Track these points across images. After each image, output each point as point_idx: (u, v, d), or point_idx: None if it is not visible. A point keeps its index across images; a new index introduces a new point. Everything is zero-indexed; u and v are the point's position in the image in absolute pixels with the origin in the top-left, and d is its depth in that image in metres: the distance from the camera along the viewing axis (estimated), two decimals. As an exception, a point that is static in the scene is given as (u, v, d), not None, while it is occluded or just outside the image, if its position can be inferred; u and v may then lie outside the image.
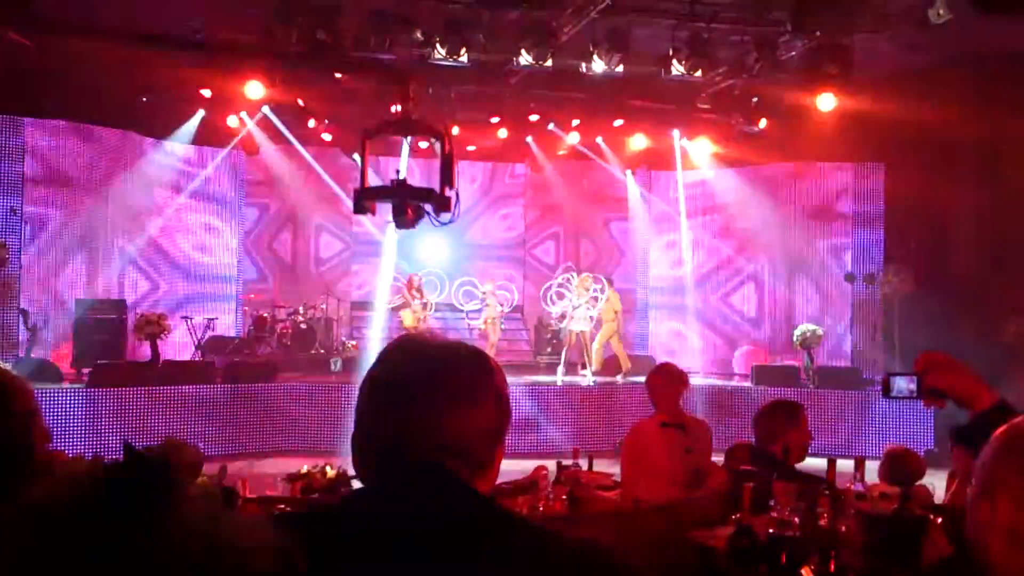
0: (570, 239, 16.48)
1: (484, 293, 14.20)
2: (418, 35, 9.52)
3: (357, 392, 1.45)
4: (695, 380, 12.56)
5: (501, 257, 16.48)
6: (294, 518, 1.48)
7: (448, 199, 5.22)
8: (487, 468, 1.42)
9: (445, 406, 1.38)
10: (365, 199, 5.38)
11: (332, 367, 13.19)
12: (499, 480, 4.89)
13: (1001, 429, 1.28)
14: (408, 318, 13.33)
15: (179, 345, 12.94)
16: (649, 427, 5.21)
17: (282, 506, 4.08)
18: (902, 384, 1.97)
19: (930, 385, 1.88)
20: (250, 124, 13.29)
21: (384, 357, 1.46)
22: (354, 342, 14.22)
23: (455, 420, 1.38)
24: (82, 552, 0.94)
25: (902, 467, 4.70)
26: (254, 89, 11.24)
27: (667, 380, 5.28)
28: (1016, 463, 1.23)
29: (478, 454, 1.40)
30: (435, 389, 1.39)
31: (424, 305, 13.59)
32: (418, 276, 13.85)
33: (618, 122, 13.58)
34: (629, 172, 15.65)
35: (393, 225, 5.35)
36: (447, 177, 5.25)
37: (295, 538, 1.05)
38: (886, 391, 2.02)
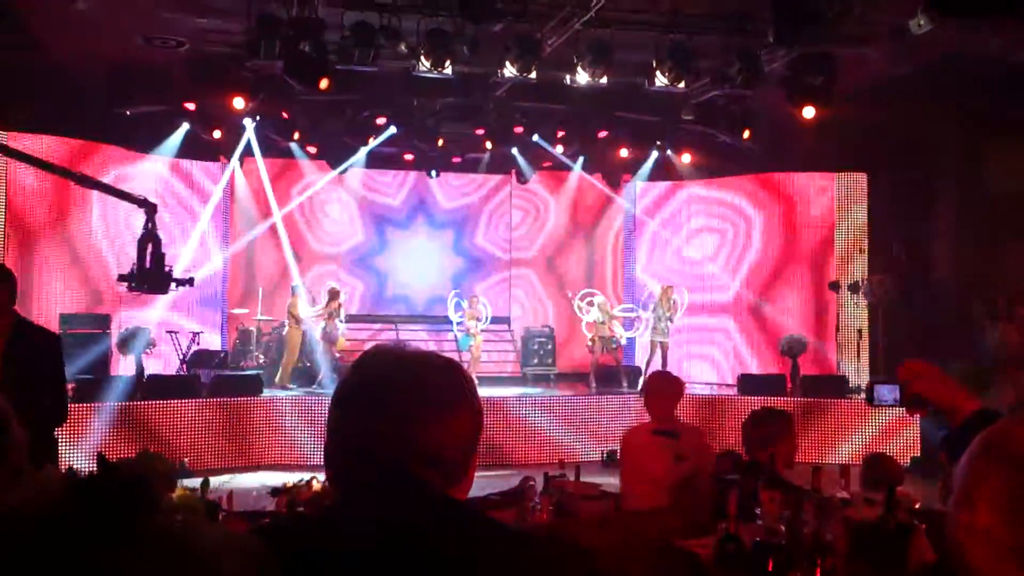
0: (556, 251, 16.47)
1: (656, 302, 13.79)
2: (402, 48, 9.53)
3: (330, 402, 1.44)
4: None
5: (488, 271, 16.45)
6: (271, 529, 1.48)
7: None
8: (462, 476, 1.42)
9: (419, 415, 1.38)
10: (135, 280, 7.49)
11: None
12: (486, 492, 4.89)
13: (980, 435, 1.29)
14: (334, 339, 13.12)
15: (165, 359, 12.85)
16: (640, 434, 5.25)
17: (266, 520, 4.05)
18: (886, 392, 1.98)
19: (913, 393, 1.89)
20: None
21: (358, 367, 1.46)
22: (339, 354, 14.14)
23: (429, 429, 1.37)
24: (55, 561, 0.93)
25: (879, 472, 4.74)
26: (238, 102, 11.21)
27: (664, 388, 5.32)
28: (994, 468, 1.23)
29: (452, 463, 1.40)
30: (409, 398, 1.38)
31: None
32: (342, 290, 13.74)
33: (603, 134, 13.63)
34: (614, 183, 15.68)
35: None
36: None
37: (272, 549, 1.05)
38: (870, 399, 2.03)
